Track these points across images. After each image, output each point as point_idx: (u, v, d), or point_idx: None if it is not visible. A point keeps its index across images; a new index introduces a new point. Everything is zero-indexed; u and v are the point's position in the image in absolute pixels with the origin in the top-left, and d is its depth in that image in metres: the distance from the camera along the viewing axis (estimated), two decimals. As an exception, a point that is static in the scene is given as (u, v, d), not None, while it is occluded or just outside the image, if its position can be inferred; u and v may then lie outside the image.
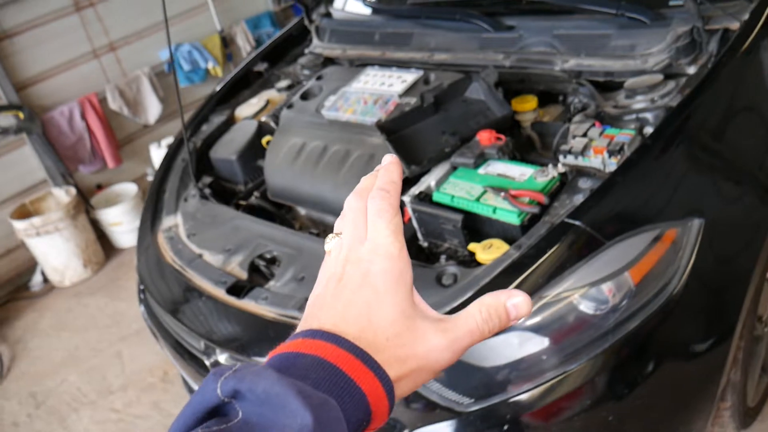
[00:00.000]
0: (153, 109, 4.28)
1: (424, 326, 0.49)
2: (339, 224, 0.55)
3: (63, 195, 3.91)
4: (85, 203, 3.96)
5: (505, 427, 1.38)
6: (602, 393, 1.41)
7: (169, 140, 3.82)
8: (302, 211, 2.12)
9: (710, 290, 1.51)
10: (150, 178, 4.09)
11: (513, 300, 0.51)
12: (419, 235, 1.76)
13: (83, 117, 3.98)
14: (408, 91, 1.98)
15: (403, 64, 2.21)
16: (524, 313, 0.51)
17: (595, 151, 1.62)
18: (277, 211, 2.16)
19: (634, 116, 1.71)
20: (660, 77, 1.73)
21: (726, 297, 1.54)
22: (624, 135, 1.64)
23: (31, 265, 3.95)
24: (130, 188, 4.15)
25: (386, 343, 0.47)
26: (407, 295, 0.49)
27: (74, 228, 3.77)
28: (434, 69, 2.10)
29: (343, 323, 0.47)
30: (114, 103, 4.11)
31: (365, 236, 0.51)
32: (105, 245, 4.08)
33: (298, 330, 0.48)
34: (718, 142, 1.66)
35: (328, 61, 2.55)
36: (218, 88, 2.65)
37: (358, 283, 0.49)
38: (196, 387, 2.04)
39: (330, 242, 0.54)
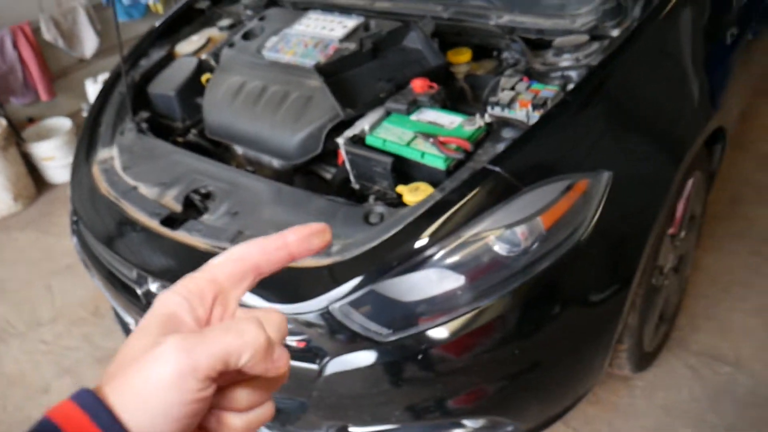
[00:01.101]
0: (89, 42, 4.15)
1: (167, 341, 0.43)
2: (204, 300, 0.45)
3: (-8, 126, 3.78)
4: (16, 136, 3.85)
5: (419, 357, 1.49)
6: (511, 329, 1.52)
7: (106, 76, 3.73)
8: (239, 150, 2.15)
9: (614, 239, 1.63)
10: (85, 114, 3.99)
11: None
12: (351, 177, 1.83)
13: (15, 46, 3.83)
14: (348, 37, 2.02)
15: (345, 10, 2.24)
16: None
17: (521, 104, 1.71)
18: (215, 148, 2.19)
19: (559, 74, 1.81)
20: (586, 38, 1.82)
21: (628, 246, 1.67)
22: (549, 91, 1.73)
23: (-42, 196, 3.83)
24: (64, 123, 4.04)
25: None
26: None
27: (4, 160, 3.67)
28: (375, 16, 2.14)
29: (116, 395, 0.41)
30: (48, 34, 3.96)
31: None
32: (37, 180, 3.98)
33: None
34: (634, 102, 1.77)
35: (272, 3, 2.54)
36: (158, 24, 2.62)
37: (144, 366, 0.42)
38: (127, 319, 2.08)
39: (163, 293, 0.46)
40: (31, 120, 4.10)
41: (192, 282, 0.45)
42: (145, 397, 0.39)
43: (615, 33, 1.84)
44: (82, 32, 4.12)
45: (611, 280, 1.66)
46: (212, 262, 0.46)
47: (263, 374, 0.43)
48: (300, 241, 0.46)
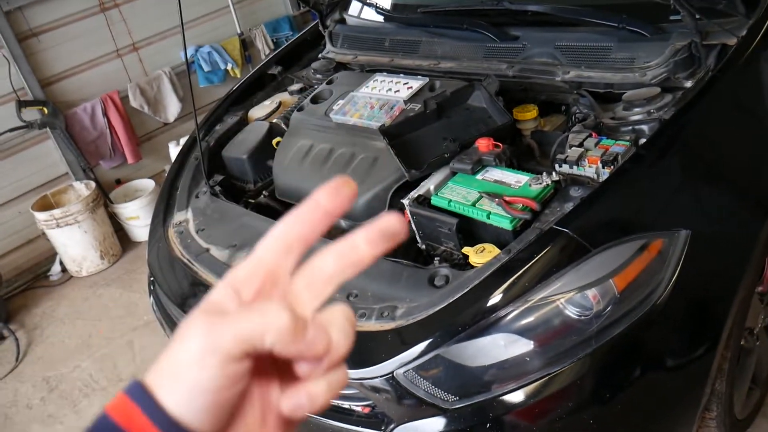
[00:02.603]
0: (172, 107, 4.38)
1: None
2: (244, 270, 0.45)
3: (83, 189, 4.02)
4: (104, 197, 4.07)
5: (488, 425, 1.43)
6: (584, 396, 1.45)
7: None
8: (308, 210, 2.19)
9: (695, 301, 1.54)
10: (167, 175, 4.19)
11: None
12: (417, 238, 1.81)
13: (105, 114, 4.09)
14: (413, 98, 2.04)
15: (410, 71, 2.27)
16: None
17: (590, 161, 1.67)
18: (284, 210, 2.23)
19: (630, 128, 1.76)
20: (657, 90, 1.77)
21: (711, 308, 1.58)
22: (619, 146, 1.68)
23: (51, 255, 4.07)
24: (148, 184, 4.25)
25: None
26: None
27: (93, 221, 3.88)
28: (440, 76, 2.16)
29: (159, 378, 0.42)
30: (135, 101, 4.22)
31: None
32: (122, 238, 4.19)
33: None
34: (711, 155, 1.69)
35: (340, 66, 2.61)
36: (233, 90, 2.73)
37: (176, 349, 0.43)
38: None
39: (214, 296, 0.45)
40: (118, 182, 4.34)
41: (239, 269, 0.45)
42: (176, 375, 0.40)
43: (688, 84, 1.78)
44: (165, 98, 4.36)
45: (694, 343, 1.56)
46: (257, 247, 0.46)
47: (298, 356, 0.42)
48: (329, 196, 0.45)
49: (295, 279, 0.44)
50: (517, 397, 1.42)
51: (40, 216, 3.77)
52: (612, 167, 1.62)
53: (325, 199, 0.45)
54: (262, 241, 0.45)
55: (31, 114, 3.81)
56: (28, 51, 3.83)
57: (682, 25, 1.81)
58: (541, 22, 2.12)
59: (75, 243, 3.88)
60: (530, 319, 1.42)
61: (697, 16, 1.72)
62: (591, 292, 1.41)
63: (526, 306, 1.42)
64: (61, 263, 4.05)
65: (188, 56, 4.42)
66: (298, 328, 0.40)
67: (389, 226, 0.44)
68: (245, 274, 0.44)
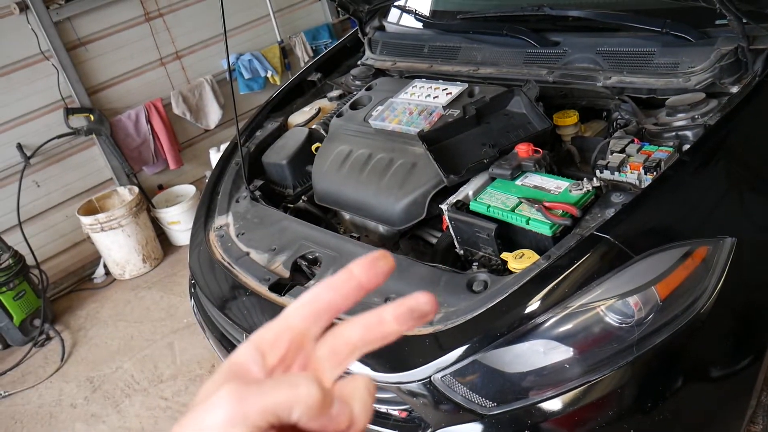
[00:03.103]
0: (213, 114, 4.46)
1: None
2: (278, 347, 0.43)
3: (127, 194, 4.12)
4: (147, 202, 4.16)
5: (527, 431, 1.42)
6: (625, 405, 1.42)
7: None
8: (347, 215, 2.20)
9: (740, 310, 1.51)
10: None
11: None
12: (455, 243, 1.81)
13: (148, 121, 4.19)
14: (452, 103, 2.04)
15: (449, 77, 2.27)
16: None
17: (632, 167, 1.65)
18: (323, 215, 2.25)
19: (673, 134, 1.73)
20: (702, 95, 1.74)
21: (757, 318, 1.54)
22: (662, 152, 1.66)
23: (95, 258, 4.17)
24: (190, 189, 4.33)
25: None
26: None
27: (136, 225, 3.97)
28: (479, 82, 2.15)
29: None
30: (177, 109, 4.31)
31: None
32: (164, 242, 4.27)
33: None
34: (757, 162, 1.65)
35: (379, 73, 2.63)
36: (273, 96, 2.77)
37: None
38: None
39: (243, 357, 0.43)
40: (161, 187, 4.43)
41: (266, 330, 0.45)
42: None
43: (735, 90, 1.74)
44: (207, 105, 4.45)
45: (739, 354, 1.52)
46: (286, 310, 0.46)
47: (320, 430, 0.41)
48: (365, 269, 0.45)
49: (319, 345, 0.44)
50: (555, 404, 1.40)
51: (86, 220, 3.87)
52: (655, 173, 1.60)
53: (360, 271, 0.45)
54: (291, 305, 0.45)
55: (78, 121, 3.93)
56: (76, 60, 3.95)
57: (728, 30, 1.77)
58: (582, 28, 2.10)
59: (118, 247, 3.97)
60: (570, 325, 1.41)
61: (744, 20, 1.69)
62: (632, 300, 1.39)
63: (565, 312, 1.40)
64: (105, 266, 4.15)
65: (230, 64, 4.50)
66: (326, 403, 0.40)
67: (419, 305, 0.44)
68: (272, 336, 0.44)
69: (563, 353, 1.41)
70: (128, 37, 4.14)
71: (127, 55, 4.15)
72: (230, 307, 1.94)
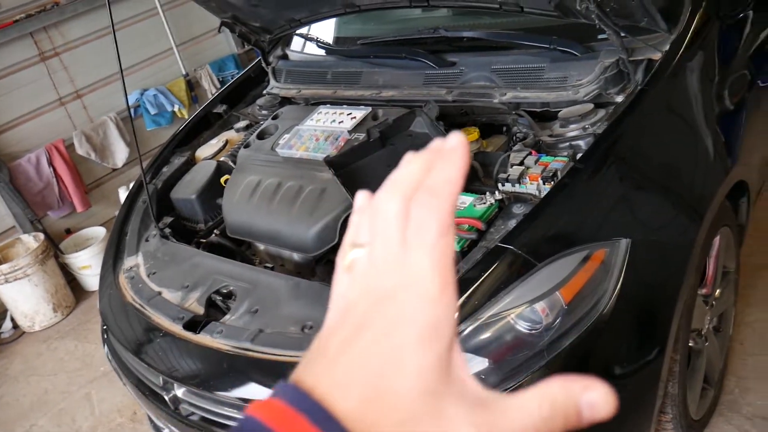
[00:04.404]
0: (120, 153, 4.33)
1: (456, 414, 0.35)
2: (365, 226, 0.40)
3: (31, 241, 3.93)
4: (54, 248, 3.98)
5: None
6: (543, 409, 1.46)
7: (137, 182, 3.88)
8: (261, 246, 2.18)
9: (640, 307, 1.59)
10: (119, 221, 4.12)
11: (590, 395, 0.36)
12: (369, 265, 1.82)
13: (50, 163, 4.02)
14: (357, 127, 2.07)
15: (353, 102, 2.30)
16: (602, 416, 0.36)
17: (531, 178, 1.71)
18: (237, 247, 2.22)
19: (567, 144, 1.81)
20: (590, 106, 1.83)
21: (656, 313, 1.62)
22: (558, 162, 1.73)
23: (1, 311, 3.94)
24: (100, 231, 4.18)
25: (393, 430, 0.34)
26: (441, 358, 0.35)
27: (43, 273, 3.79)
28: (382, 105, 2.19)
29: (341, 389, 0.34)
30: (81, 149, 4.16)
31: (401, 257, 0.36)
32: (75, 289, 4.09)
33: (296, 371, 0.37)
34: (645, 165, 1.76)
35: (285, 101, 2.64)
36: (178, 131, 2.73)
37: (379, 331, 0.35)
38: (160, 425, 2.07)
39: (352, 254, 0.39)
40: (68, 231, 4.25)
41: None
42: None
43: (619, 99, 1.85)
44: (112, 144, 4.31)
45: (643, 348, 1.60)
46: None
47: None
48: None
49: None
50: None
51: (-12, 272, 3.66)
52: (552, 183, 1.67)
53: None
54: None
55: (-27, 168, 3.73)
56: (-33, 104, 3.76)
57: (609, 44, 1.88)
58: (476, 47, 2.18)
59: (26, 297, 3.77)
60: (483, 336, 1.44)
61: (622, 34, 1.80)
62: (539, 306, 1.44)
63: (477, 324, 1.44)
64: (12, 319, 3.92)
65: (134, 100, 4.40)
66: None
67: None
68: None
69: (479, 364, 1.44)
70: (23, 78, 3.98)
71: (23, 97, 3.99)
72: (145, 351, 1.87)
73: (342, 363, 0.35)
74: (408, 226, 0.37)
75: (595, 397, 0.36)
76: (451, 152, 0.39)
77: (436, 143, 0.39)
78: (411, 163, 0.39)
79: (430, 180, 0.38)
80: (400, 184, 0.38)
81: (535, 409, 0.36)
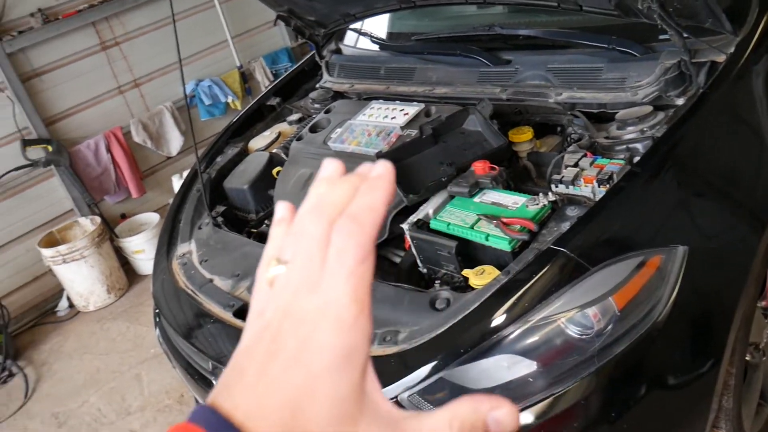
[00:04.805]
0: (175, 141, 4.44)
1: None
2: (289, 244, 0.40)
3: (89, 224, 4.05)
4: (109, 232, 4.10)
5: (494, 447, 1.43)
6: (590, 416, 1.45)
7: (190, 171, 3.96)
8: (310, 238, 2.20)
9: (696, 316, 1.55)
10: (171, 207, 4.23)
11: (496, 413, 0.39)
12: (418, 261, 1.83)
13: (108, 150, 4.14)
14: (409, 124, 2.07)
15: (406, 98, 2.30)
16: (509, 430, 0.39)
17: (586, 180, 1.69)
18: (286, 238, 2.25)
19: (624, 147, 1.78)
20: (649, 108, 1.79)
21: (713, 323, 1.58)
22: (614, 165, 1.70)
23: (58, 290, 4.09)
24: (153, 217, 4.29)
25: None
26: (355, 383, 0.36)
27: (99, 255, 3.91)
28: (435, 102, 2.19)
29: (258, 415, 0.35)
30: (138, 137, 4.27)
31: (319, 281, 0.37)
32: (128, 272, 4.21)
33: (213, 392, 0.37)
34: (706, 170, 1.71)
35: (338, 95, 2.65)
36: (233, 122, 2.77)
37: (293, 355, 0.36)
38: (207, 409, 2.12)
39: (273, 269, 0.39)
40: (123, 216, 4.38)
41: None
42: None
43: (680, 102, 1.80)
44: (167, 132, 4.42)
45: (698, 359, 1.56)
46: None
47: None
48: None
49: None
50: (523, 418, 1.42)
51: (47, 252, 3.80)
52: (607, 186, 1.64)
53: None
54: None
55: (36, 152, 3.87)
56: (32, 91, 3.90)
57: (670, 44, 1.84)
58: (532, 46, 2.15)
59: (82, 278, 3.90)
60: (532, 339, 1.43)
61: (685, 35, 1.75)
62: (591, 311, 1.42)
63: (527, 326, 1.43)
64: (69, 299, 4.06)
65: (189, 90, 4.49)
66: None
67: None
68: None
69: (527, 367, 1.43)
70: (84, 66, 4.10)
71: (84, 85, 4.11)
72: (195, 336, 1.92)
73: (259, 388, 0.35)
74: (329, 250, 0.37)
75: (501, 414, 0.39)
76: (378, 179, 0.39)
77: (364, 168, 0.40)
78: (337, 186, 0.39)
79: (354, 206, 0.38)
80: (325, 207, 0.39)
81: (446, 428, 0.38)
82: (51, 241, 3.94)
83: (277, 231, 0.42)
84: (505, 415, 0.39)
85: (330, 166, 0.42)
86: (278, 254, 0.40)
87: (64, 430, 3.03)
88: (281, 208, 0.43)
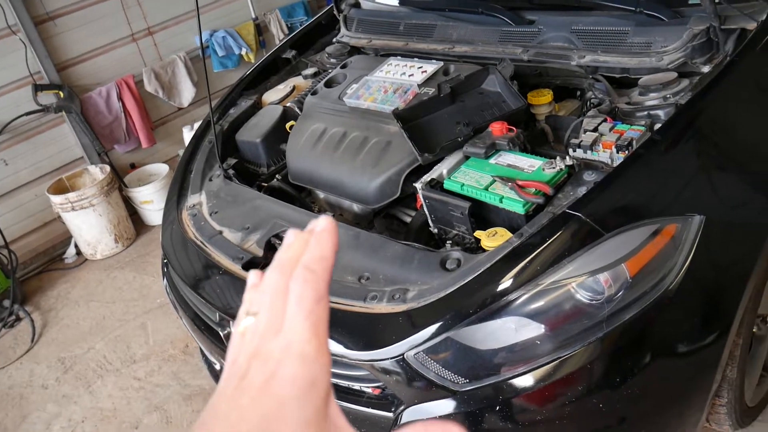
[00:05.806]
0: (187, 92, 4.40)
1: None
2: (256, 300, 0.45)
3: (98, 172, 4.05)
4: (118, 181, 4.10)
5: (498, 408, 1.44)
6: (594, 381, 1.44)
7: (201, 123, 3.93)
8: (321, 194, 2.19)
9: (707, 287, 1.53)
10: (181, 159, 4.21)
11: None
12: (429, 221, 1.81)
13: (120, 98, 4.11)
14: (427, 82, 2.04)
15: (425, 55, 2.26)
16: None
17: (604, 145, 1.66)
18: (297, 193, 2.24)
19: (645, 113, 1.74)
20: (674, 75, 1.75)
21: (723, 294, 1.56)
22: (634, 131, 1.67)
23: (66, 238, 4.11)
24: (162, 168, 4.28)
25: None
26: (318, 410, 0.40)
27: (107, 204, 3.91)
28: (454, 61, 2.15)
29: None
30: (150, 86, 4.23)
31: (282, 324, 0.42)
32: (136, 222, 4.22)
33: None
34: (727, 141, 1.68)
35: (355, 50, 2.61)
36: (247, 74, 2.74)
37: (259, 388, 0.40)
38: (212, 359, 2.14)
39: (243, 322, 0.45)
40: (133, 166, 4.37)
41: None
42: None
43: (706, 69, 1.76)
44: (180, 83, 4.37)
45: (706, 329, 1.55)
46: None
47: None
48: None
49: None
50: (527, 380, 1.42)
51: (56, 199, 3.80)
52: (626, 152, 1.61)
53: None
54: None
55: (47, 98, 3.84)
56: (45, 35, 3.85)
57: (700, 9, 1.79)
58: (557, 6, 2.10)
59: (90, 226, 3.91)
60: (541, 303, 1.42)
61: (716, 0, 1.70)
62: (603, 277, 1.41)
63: (537, 290, 1.42)
64: (76, 246, 4.08)
65: (203, 41, 4.43)
66: None
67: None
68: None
69: (534, 330, 1.42)
70: (98, 11, 4.04)
71: (97, 31, 4.06)
72: (203, 287, 1.92)
73: (231, 418, 0.39)
74: (288, 297, 0.43)
75: None
76: (323, 233, 0.46)
77: (311, 225, 0.47)
78: (292, 244, 0.46)
79: (306, 257, 0.45)
80: (283, 264, 0.45)
81: None
82: (60, 188, 3.94)
83: (249, 294, 0.47)
84: None
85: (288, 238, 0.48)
86: (249, 308, 0.46)
87: (70, 375, 3.07)
88: (252, 276, 0.49)
